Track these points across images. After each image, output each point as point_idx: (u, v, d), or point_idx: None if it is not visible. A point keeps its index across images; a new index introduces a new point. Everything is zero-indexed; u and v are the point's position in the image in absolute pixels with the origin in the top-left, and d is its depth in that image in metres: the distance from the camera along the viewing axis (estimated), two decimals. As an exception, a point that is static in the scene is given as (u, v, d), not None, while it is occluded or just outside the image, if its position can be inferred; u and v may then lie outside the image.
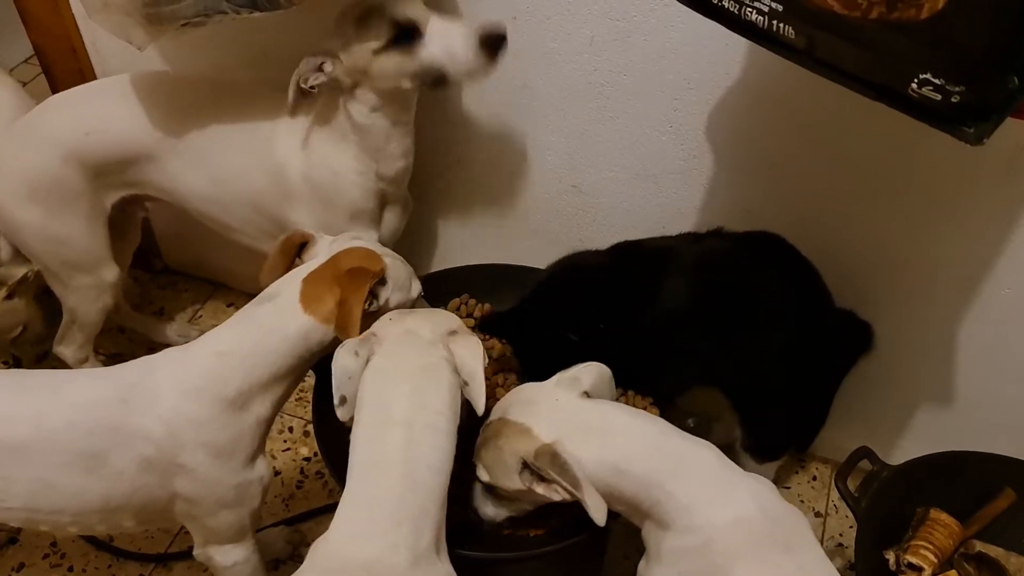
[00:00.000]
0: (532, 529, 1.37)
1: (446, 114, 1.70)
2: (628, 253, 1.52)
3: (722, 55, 1.42)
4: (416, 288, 1.39)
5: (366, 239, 1.38)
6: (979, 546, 1.52)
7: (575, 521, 1.38)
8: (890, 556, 1.47)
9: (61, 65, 1.98)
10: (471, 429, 1.25)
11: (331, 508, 1.85)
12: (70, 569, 1.79)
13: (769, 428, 1.65)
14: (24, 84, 3.01)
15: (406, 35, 1.37)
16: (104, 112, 1.62)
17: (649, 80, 1.50)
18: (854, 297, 1.58)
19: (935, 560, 1.45)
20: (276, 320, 1.27)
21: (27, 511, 1.27)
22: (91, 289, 1.78)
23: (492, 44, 1.35)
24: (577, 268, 1.51)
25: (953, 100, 0.88)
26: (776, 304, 1.48)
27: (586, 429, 1.19)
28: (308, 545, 1.79)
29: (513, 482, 1.21)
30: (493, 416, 1.26)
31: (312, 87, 1.42)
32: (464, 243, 1.67)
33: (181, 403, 1.24)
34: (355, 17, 1.38)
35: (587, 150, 1.65)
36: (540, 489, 1.19)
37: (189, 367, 1.27)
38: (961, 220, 1.47)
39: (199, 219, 1.71)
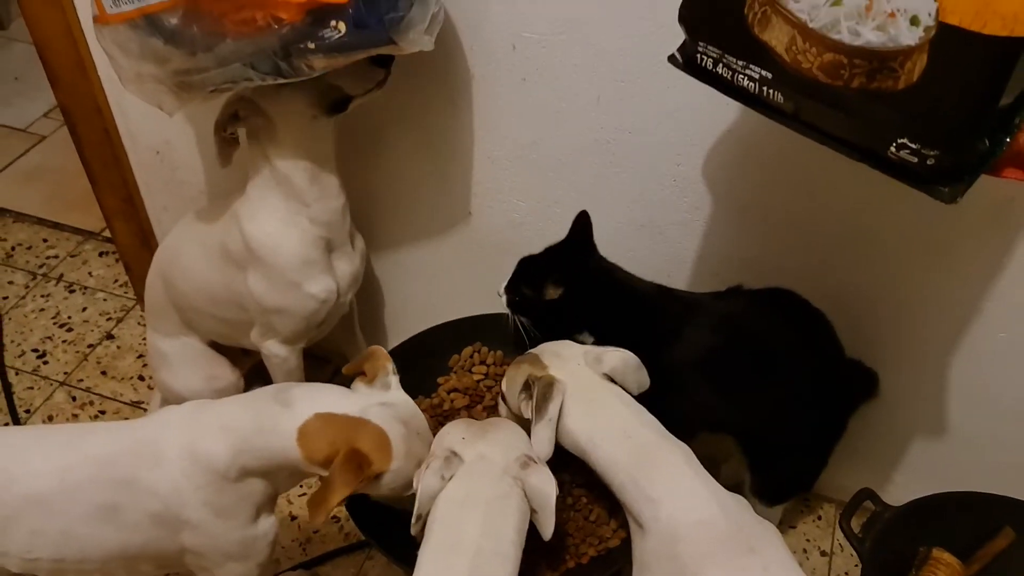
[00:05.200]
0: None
1: (460, 168, 1.75)
2: (662, 295, 1.56)
3: (721, 115, 1.47)
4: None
5: (419, 417, 1.33)
6: (981, 584, 1.55)
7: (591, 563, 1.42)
8: (894, 595, 1.50)
9: (86, 123, 2.02)
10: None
11: (347, 551, 1.90)
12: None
13: (778, 474, 1.68)
14: (43, 138, 3.03)
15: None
16: None
17: (653, 137, 1.55)
18: (852, 341, 1.60)
19: (938, 598, 1.48)
20: (273, 430, 1.26)
21: (53, 562, 1.30)
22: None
23: None
24: (624, 284, 1.55)
25: (928, 163, 0.93)
26: (788, 359, 1.51)
27: (586, 398, 1.30)
28: (325, 588, 1.84)
29: (513, 396, 1.37)
30: (534, 351, 1.40)
31: (233, 134, 1.48)
32: (475, 293, 1.72)
33: (183, 464, 1.26)
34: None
35: (594, 203, 1.66)
36: (523, 406, 1.33)
37: (195, 431, 1.28)
38: (953, 270, 1.51)
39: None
